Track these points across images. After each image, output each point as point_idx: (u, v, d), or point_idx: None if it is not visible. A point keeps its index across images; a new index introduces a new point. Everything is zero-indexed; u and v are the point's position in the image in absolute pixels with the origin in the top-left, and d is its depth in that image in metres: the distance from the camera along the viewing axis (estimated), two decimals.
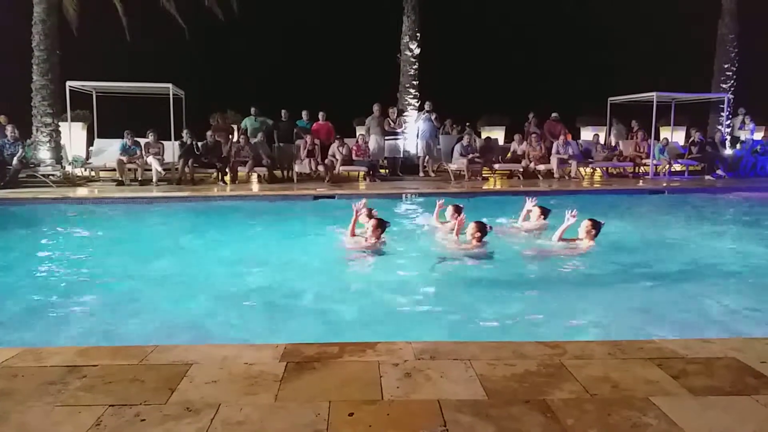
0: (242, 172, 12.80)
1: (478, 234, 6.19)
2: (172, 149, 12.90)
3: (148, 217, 9.44)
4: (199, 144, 12.78)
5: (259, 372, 2.83)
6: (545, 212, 7.18)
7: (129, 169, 12.52)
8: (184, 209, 9.99)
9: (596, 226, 6.20)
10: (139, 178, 12.47)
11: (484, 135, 16.34)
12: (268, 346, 3.20)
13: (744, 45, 17.82)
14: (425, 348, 3.14)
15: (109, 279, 5.56)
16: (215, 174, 12.65)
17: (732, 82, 17.93)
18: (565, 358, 3.00)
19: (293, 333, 4.11)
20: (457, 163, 13.56)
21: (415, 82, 16.07)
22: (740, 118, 16.83)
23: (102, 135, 13.99)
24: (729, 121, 17.07)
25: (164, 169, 12.60)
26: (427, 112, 14.51)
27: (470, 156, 13.46)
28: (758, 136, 16.53)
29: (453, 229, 6.54)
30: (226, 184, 12.35)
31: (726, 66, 17.95)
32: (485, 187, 12.44)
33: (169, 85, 12.90)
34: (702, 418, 2.38)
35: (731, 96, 17.44)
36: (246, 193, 11.20)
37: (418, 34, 15.97)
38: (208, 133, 13.04)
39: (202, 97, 15.62)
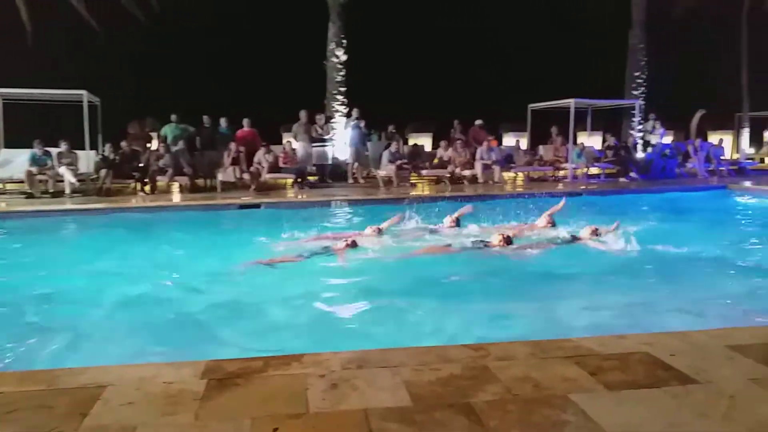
0: (162, 181, 12.35)
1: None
2: (86, 159, 12.29)
3: (61, 231, 8.94)
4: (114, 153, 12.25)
5: (179, 391, 2.71)
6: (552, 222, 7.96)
7: (39, 181, 11.81)
8: (100, 222, 9.51)
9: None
10: (51, 190, 11.78)
11: (411, 142, 16.54)
12: (188, 363, 3.08)
13: (652, 54, 18.96)
14: (352, 357, 3.11)
15: (17, 298, 5.21)
16: (133, 184, 12.14)
17: (642, 89, 19.00)
18: (488, 359, 3.05)
19: (216, 349, 3.97)
20: (386, 170, 13.65)
21: (342, 89, 16.06)
22: (650, 123, 17.83)
23: (9, 145, 13.15)
24: (641, 126, 18.07)
25: (78, 180, 11.98)
26: (356, 119, 14.53)
27: (398, 162, 13.58)
28: (667, 140, 17.59)
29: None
30: (146, 194, 11.88)
31: (636, 74, 19.01)
32: (413, 192, 12.58)
33: (83, 92, 12.30)
34: (617, 413, 2.48)
35: (642, 102, 18.48)
36: (166, 203, 10.81)
37: (344, 41, 15.99)
38: (123, 143, 12.52)
39: (120, 103, 14.98)
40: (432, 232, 7.86)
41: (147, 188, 12.04)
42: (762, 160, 18.88)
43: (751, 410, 2.48)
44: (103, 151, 12.27)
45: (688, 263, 6.47)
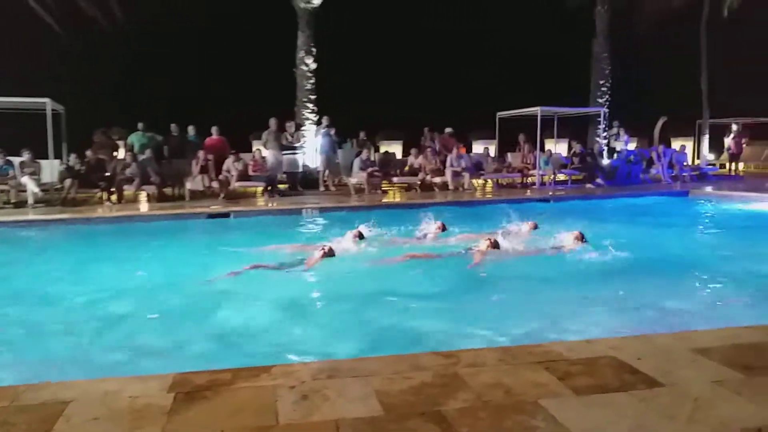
0: (129, 191, 12.13)
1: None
2: (50, 169, 12.01)
3: (24, 242, 8.69)
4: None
5: (145, 405, 2.66)
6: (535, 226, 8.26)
7: (1, 191, 11.50)
8: (64, 233, 9.29)
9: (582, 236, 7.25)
10: (13, 201, 11.47)
11: (382, 149, 16.59)
12: (155, 377, 3.02)
13: (616, 63, 19.41)
14: (323, 367, 3.09)
15: None
16: (99, 194, 11.90)
17: (607, 97, 19.42)
18: (459, 366, 3.06)
19: (185, 361, 3.90)
20: (357, 177, 13.65)
21: (312, 97, 16.04)
22: (615, 130, 18.22)
23: None
24: (606, 133, 18.44)
25: (42, 190, 11.69)
26: (326, 126, 14.51)
27: (370, 170, 13.60)
28: (631, 146, 18.00)
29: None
30: (113, 203, 11.65)
31: (601, 82, 19.43)
32: (385, 200, 12.61)
33: (47, 100, 12.02)
34: (585, 417, 2.51)
35: (606, 110, 18.87)
36: (133, 213, 10.59)
37: (313, 49, 15.98)
38: (88, 152, 12.27)
39: (86, 112, 14.68)
40: (419, 238, 7.93)
41: (113, 198, 11.81)
42: (722, 166, 19.43)
43: (715, 412, 2.54)
44: (68, 160, 11.98)
45: (653, 267, 6.60)
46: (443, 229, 8.16)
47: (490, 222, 8.51)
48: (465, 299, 5.46)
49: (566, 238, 7.31)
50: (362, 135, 16.32)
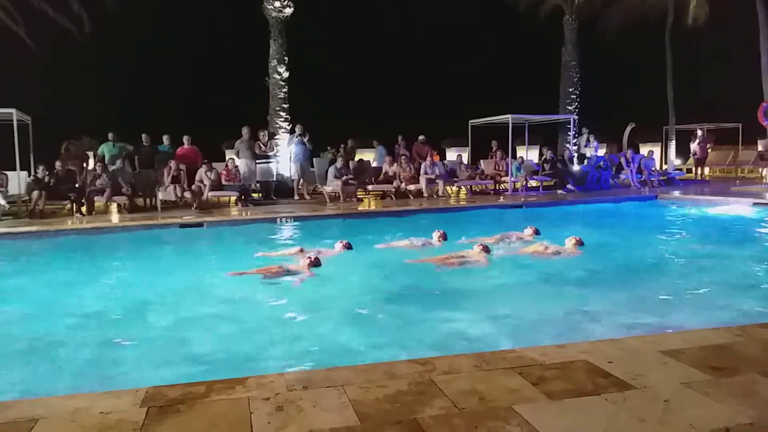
0: (100, 202, 11.92)
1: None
2: (17, 180, 11.75)
3: None
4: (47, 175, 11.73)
5: (117, 421, 2.61)
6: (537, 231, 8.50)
7: None
8: (32, 245, 9.08)
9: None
10: None
11: (356, 157, 16.59)
12: (127, 391, 2.97)
13: (584, 71, 19.79)
14: (298, 378, 3.08)
15: None
16: (69, 205, 11.67)
17: (576, 104, 19.77)
18: (434, 374, 3.08)
19: (158, 375, 3.83)
20: (332, 186, 13.63)
21: (285, 105, 15.97)
22: (585, 136, 18.54)
23: None
24: (576, 140, 18.75)
25: (9, 203, 11.42)
26: (300, 134, 14.48)
27: (344, 178, 13.60)
28: (601, 152, 18.31)
29: None
30: (83, 215, 11.43)
31: (570, 90, 19.78)
32: (360, 208, 12.61)
33: (12, 111, 11.75)
34: (559, 421, 2.54)
35: (576, 117, 19.20)
36: (104, 224, 10.40)
37: (286, 58, 15.93)
38: (57, 162, 12.03)
39: (53, 122, 14.42)
40: (423, 245, 8.05)
41: (84, 209, 11.58)
42: (689, 171, 19.90)
43: (684, 413, 2.60)
44: (36, 171, 11.72)
45: (622, 270, 6.74)
46: (444, 238, 8.28)
47: (467, 228, 8.61)
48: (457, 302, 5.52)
49: (567, 243, 7.57)
50: (350, 143, 16.42)
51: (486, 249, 7.38)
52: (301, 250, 7.48)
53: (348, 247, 7.71)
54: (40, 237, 9.41)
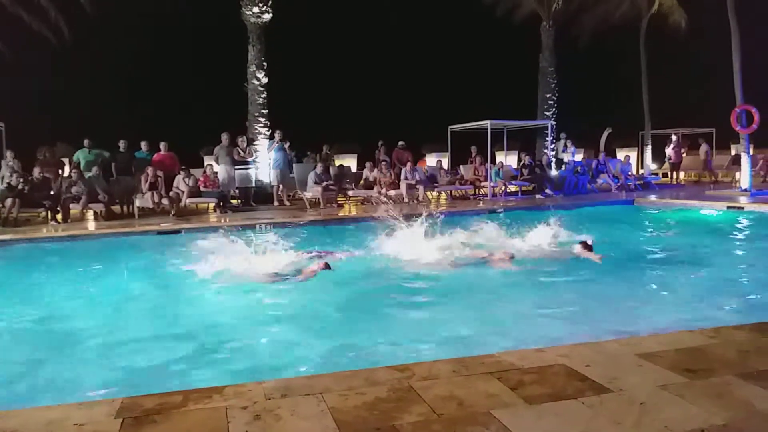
0: (76, 209, 11.74)
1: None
2: None
3: None
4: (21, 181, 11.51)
5: None
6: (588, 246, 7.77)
7: None
8: (6, 255, 8.90)
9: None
10: None
11: (337, 163, 16.58)
12: (101, 402, 2.92)
13: (561, 77, 20.04)
14: (276, 386, 3.05)
15: None
16: (44, 213, 11.48)
17: (554, 110, 19.99)
18: (413, 380, 3.08)
19: (134, 385, 3.78)
20: (312, 191, 13.59)
21: (264, 111, 15.91)
22: (562, 142, 18.76)
23: None
24: (553, 145, 18.94)
25: None
26: (279, 140, 14.43)
27: (324, 184, 13.57)
28: (578, 157, 18.53)
29: None
30: (59, 223, 11.24)
31: (548, 95, 19.99)
32: (341, 213, 12.59)
33: None
34: (537, 426, 2.56)
35: (554, 122, 19.41)
36: (80, 232, 10.22)
37: (264, 63, 15.89)
38: (36, 169, 11.83)
39: (27, 129, 14.19)
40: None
41: (59, 217, 11.39)
42: (665, 175, 20.22)
43: (660, 416, 2.63)
44: (9, 178, 11.50)
45: (600, 273, 6.81)
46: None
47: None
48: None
49: (576, 247, 7.58)
50: (326, 149, 16.38)
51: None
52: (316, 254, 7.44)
53: (327, 267, 7.17)
54: (13, 245, 9.22)
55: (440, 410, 2.71)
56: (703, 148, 19.05)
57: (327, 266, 6.79)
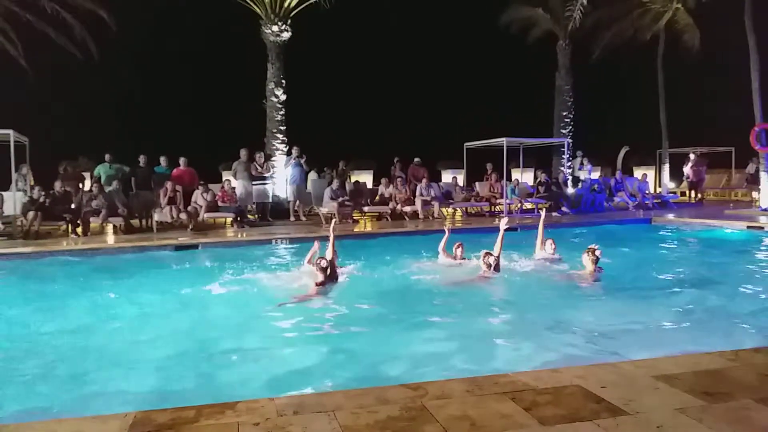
0: (96, 223, 11.91)
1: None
2: (12, 201, 11.73)
3: None
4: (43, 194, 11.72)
5: None
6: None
7: None
8: (26, 266, 9.02)
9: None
10: None
11: (352, 179, 16.66)
12: (114, 416, 2.94)
13: (577, 94, 20.02)
14: (289, 403, 3.06)
15: None
16: (64, 226, 11.66)
17: (570, 127, 19.95)
18: (426, 399, 3.06)
19: (148, 399, 3.80)
20: (328, 207, 13.66)
21: (282, 128, 16.12)
22: (579, 159, 18.67)
23: None
24: (569, 163, 18.87)
25: (4, 223, 11.39)
26: (296, 156, 14.57)
27: (340, 199, 13.63)
28: (595, 175, 18.43)
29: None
30: (78, 236, 11.40)
31: (564, 113, 19.98)
32: (356, 229, 12.62)
33: (10, 131, 11.76)
34: None
35: (570, 140, 19.36)
36: (99, 245, 10.35)
37: (283, 81, 16.11)
38: (57, 183, 12.04)
39: (50, 143, 14.47)
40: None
41: (79, 230, 11.55)
42: (683, 194, 20.01)
43: None
44: (32, 192, 11.72)
45: (617, 292, 6.73)
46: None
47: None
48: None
49: (585, 258, 7.35)
50: (342, 165, 16.50)
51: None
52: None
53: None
54: (34, 258, 9.36)
55: (453, 430, 2.68)
56: (752, 165, 18.25)
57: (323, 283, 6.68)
